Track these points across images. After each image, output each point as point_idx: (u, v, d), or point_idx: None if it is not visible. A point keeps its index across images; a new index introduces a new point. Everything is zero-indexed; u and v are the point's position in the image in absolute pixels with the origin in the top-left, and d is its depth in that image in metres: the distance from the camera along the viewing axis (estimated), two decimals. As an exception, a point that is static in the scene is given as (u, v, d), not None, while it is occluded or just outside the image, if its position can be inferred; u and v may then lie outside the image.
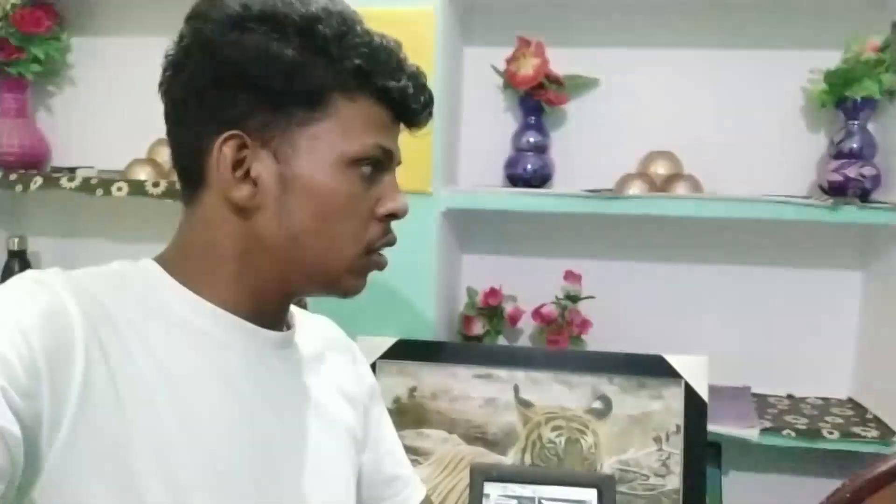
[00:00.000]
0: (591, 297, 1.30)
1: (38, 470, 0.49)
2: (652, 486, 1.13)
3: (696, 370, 1.13)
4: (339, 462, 0.71)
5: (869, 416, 1.22)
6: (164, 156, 1.35)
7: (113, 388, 0.52)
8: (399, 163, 0.66)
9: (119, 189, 1.27)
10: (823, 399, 1.31)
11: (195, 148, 0.59)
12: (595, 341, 1.30)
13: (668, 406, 1.14)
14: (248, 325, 0.62)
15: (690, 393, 1.13)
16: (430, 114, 0.66)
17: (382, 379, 1.20)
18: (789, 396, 1.32)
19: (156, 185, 1.27)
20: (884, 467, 1.09)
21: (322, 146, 0.59)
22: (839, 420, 1.20)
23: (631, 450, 1.14)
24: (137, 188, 1.27)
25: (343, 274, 0.63)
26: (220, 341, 0.60)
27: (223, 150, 0.58)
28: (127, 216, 1.45)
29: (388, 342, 1.19)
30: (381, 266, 0.66)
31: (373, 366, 1.20)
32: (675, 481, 1.12)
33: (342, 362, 0.77)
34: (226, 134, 0.57)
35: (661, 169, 1.25)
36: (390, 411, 1.18)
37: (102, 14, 1.45)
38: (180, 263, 0.61)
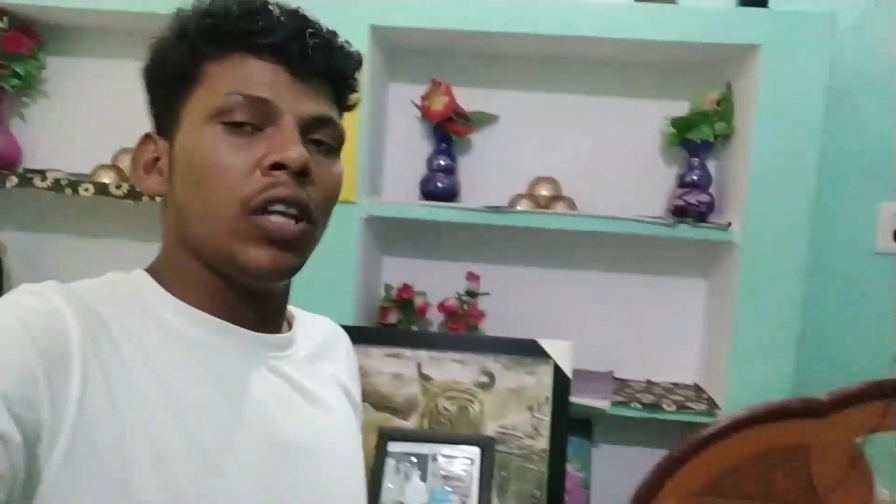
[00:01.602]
0: (487, 293, 1.56)
1: (37, 482, 0.48)
2: (525, 446, 1.39)
3: (562, 353, 1.40)
4: (349, 460, 0.70)
5: (705, 396, 1.51)
6: (127, 162, 1.56)
7: (110, 396, 0.52)
8: (304, 119, 0.59)
9: (86, 190, 1.48)
10: (674, 383, 1.60)
11: None
12: (488, 329, 1.56)
13: (540, 381, 1.40)
14: (240, 330, 0.61)
15: (558, 371, 1.39)
16: (309, 46, 0.58)
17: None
18: (647, 381, 1.60)
19: (118, 187, 1.48)
20: (704, 433, 1.39)
21: (193, 112, 0.58)
22: (680, 398, 1.48)
23: (509, 416, 1.40)
24: (102, 189, 1.48)
25: (232, 244, 0.57)
26: (213, 347, 0.59)
27: (135, 152, 0.62)
28: (88, 216, 1.64)
29: (314, 326, 1.43)
30: (272, 228, 0.56)
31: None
32: (543, 442, 1.38)
33: (342, 362, 0.76)
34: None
35: (544, 191, 1.53)
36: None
37: (75, 38, 1.64)
38: (163, 272, 0.62)
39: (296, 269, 0.60)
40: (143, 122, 0.64)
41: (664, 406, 1.43)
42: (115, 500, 0.50)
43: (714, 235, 1.42)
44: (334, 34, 0.62)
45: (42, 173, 1.54)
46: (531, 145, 1.59)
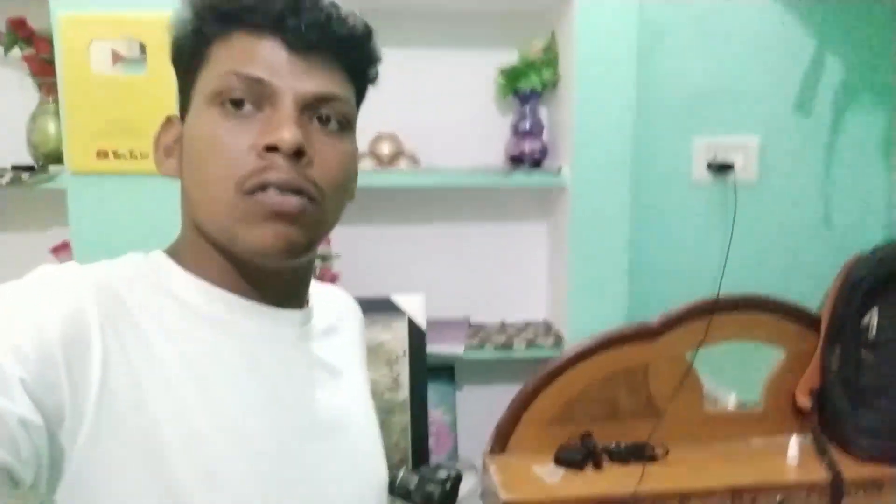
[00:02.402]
0: (338, 255, 1.56)
1: (64, 464, 0.49)
2: (387, 401, 1.42)
3: (415, 306, 1.44)
4: (369, 431, 0.71)
5: (553, 331, 1.61)
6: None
7: (134, 378, 0.52)
8: (304, 97, 0.57)
9: None
10: (526, 322, 1.69)
11: None
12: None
13: (396, 336, 1.43)
14: (261, 307, 0.61)
15: (412, 324, 1.43)
16: (303, 21, 0.57)
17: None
18: (501, 322, 1.68)
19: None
20: (552, 366, 1.48)
21: (198, 94, 0.58)
22: (530, 335, 1.57)
23: (369, 373, 1.42)
24: None
25: (232, 225, 0.56)
26: (236, 325, 0.59)
27: (157, 134, 0.63)
28: None
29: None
30: (271, 203, 0.55)
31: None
32: (404, 394, 1.43)
33: (356, 332, 0.78)
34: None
35: (386, 148, 1.53)
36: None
37: None
38: (183, 252, 0.61)
39: (303, 246, 0.58)
40: None
41: (515, 345, 1.51)
42: (148, 479, 0.51)
43: (547, 181, 1.49)
44: (335, 6, 0.59)
45: None
46: (370, 102, 1.57)
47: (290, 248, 0.57)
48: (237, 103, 0.56)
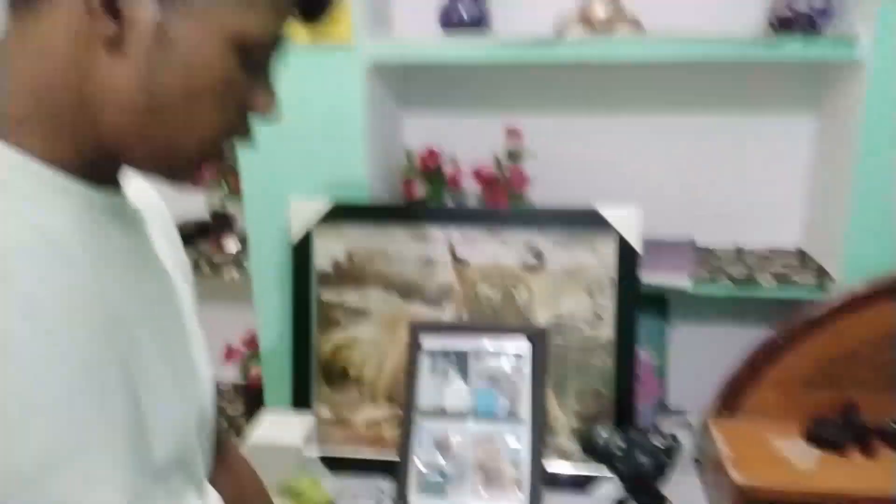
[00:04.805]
0: (532, 153, 1.25)
1: None
2: (585, 337, 1.14)
3: (629, 221, 1.11)
4: (191, 322, 0.67)
5: (812, 264, 1.21)
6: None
7: None
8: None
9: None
10: (771, 249, 1.29)
11: None
12: (535, 198, 1.27)
13: (601, 258, 1.13)
14: (81, 189, 0.54)
15: (624, 244, 1.12)
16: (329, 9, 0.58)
17: (319, 243, 1.19)
18: (737, 248, 1.30)
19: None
20: (814, 313, 1.10)
21: (218, 17, 0.50)
22: (780, 269, 1.18)
23: (564, 303, 1.14)
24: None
25: (187, 160, 0.56)
26: (48, 206, 0.51)
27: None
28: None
29: (323, 208, 1.18)
30: (220, 160, 0.58)
31: (309, 233, 1.19)
32: (608, 332, 1.13)
33: (169, 227, 0.72)
34: None
35: (600, 10, 1.16)
36: (329, 276, 1.19)
37: None
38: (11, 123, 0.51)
39: None
40: None
41: (760, 280, 1.14)
42: None
43: (831, 53, 1.05)
44: None
45: None
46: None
47: None
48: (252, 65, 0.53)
